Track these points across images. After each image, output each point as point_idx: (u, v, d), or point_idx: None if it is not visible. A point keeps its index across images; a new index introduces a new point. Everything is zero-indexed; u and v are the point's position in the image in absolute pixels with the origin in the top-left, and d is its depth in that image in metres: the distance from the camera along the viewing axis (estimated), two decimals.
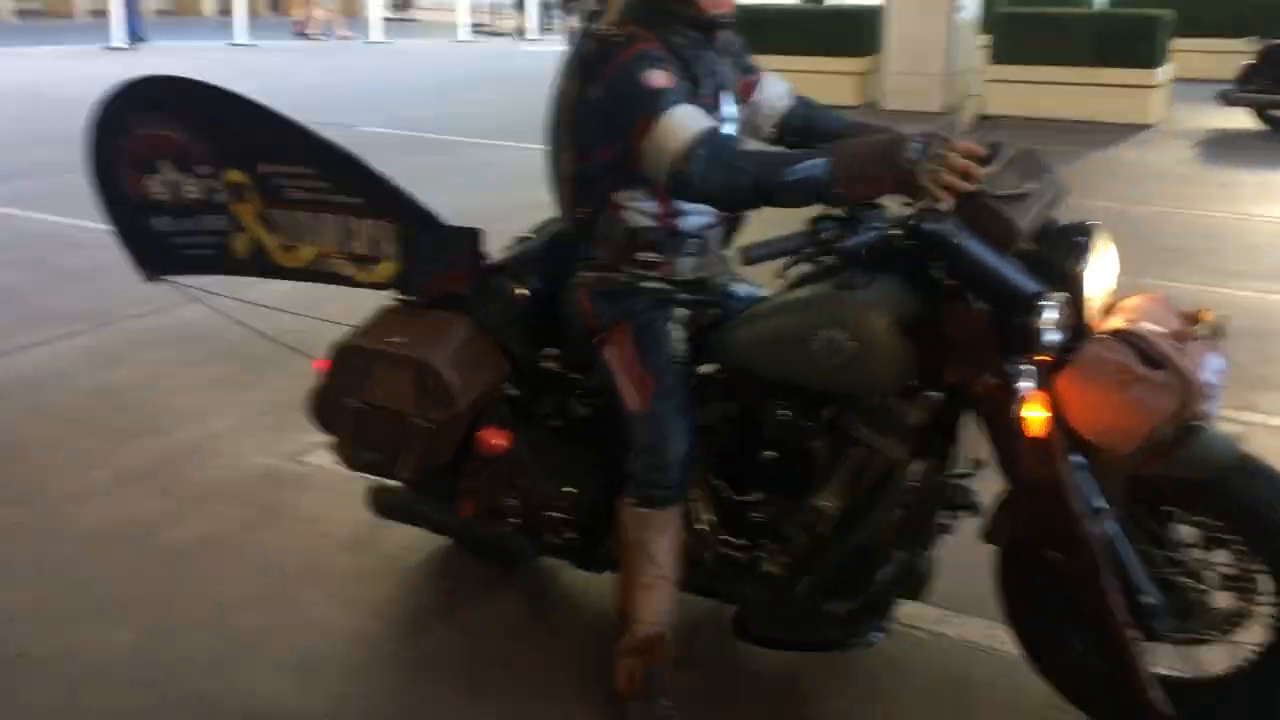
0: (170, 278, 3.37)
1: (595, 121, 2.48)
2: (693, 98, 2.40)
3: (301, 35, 21.19)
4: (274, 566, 3.24)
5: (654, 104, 2.31)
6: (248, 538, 3.40)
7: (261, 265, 3.24)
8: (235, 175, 3.13)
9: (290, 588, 3.13)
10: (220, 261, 3.29)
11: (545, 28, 23.43)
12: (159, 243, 3.30)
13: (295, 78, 12.99)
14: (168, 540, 3.39)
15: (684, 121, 2.30)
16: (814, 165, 2.23)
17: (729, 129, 2.57)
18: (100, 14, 19.27)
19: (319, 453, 3.85)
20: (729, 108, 2.59)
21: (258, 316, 3.67)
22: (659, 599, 2.53)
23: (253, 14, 21.04)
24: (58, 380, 4.65)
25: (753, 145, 2.54)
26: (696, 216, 2.56)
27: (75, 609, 3.03)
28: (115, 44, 17.89)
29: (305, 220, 3.10)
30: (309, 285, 3.19)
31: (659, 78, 2.33)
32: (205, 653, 2.84)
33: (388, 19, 22.35)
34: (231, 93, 3.09)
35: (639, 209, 2.54)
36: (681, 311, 2.60)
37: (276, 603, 3.06)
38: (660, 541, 2.50)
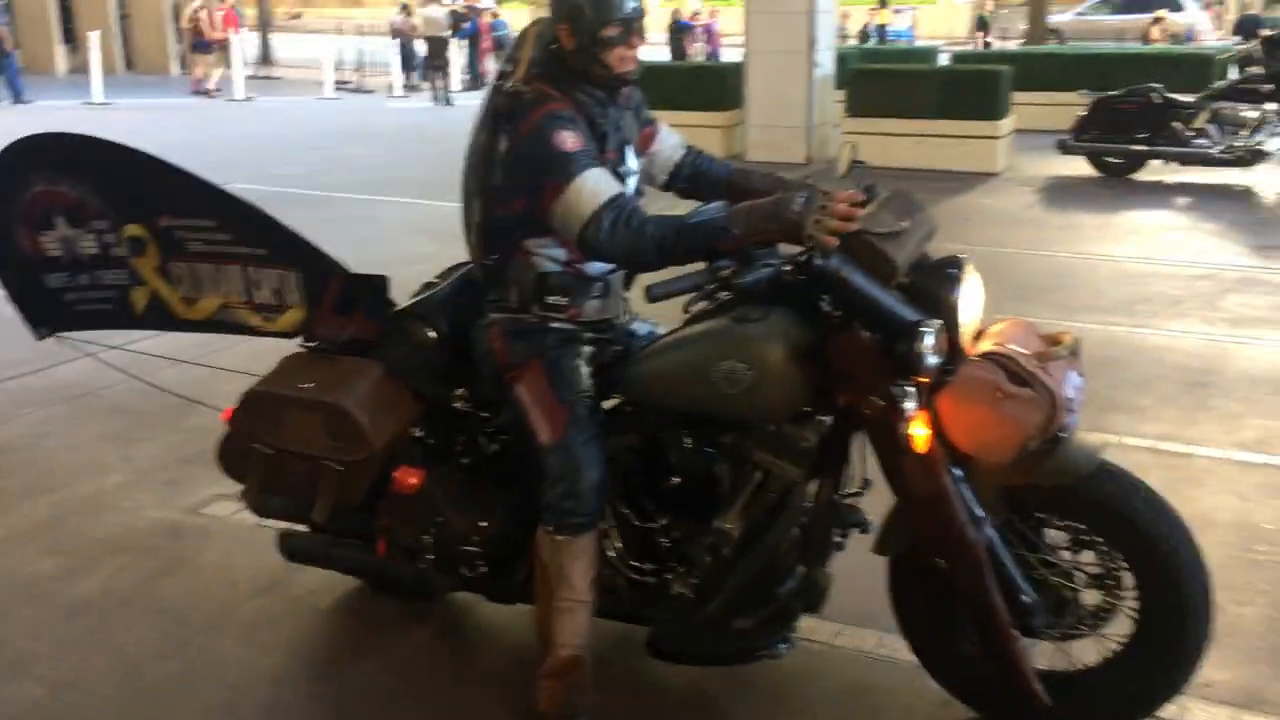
0: (63, 334, 3.37)
1: (507, 174, 2.62)
2: (600, 154, 2.57)
3: (203, 93, 20.93)
4: (182, 616, 3.24)
5: (564, 168, 2.48)
6: (152, 589, 3.39)
7: (162, 318, 3.27)
8: (134, 229, 3.16)
9: (200, 636, 3.14)
10: (119, 316, 3.31)
11: (408, 86, 23.49)
12: (53, 299, 3.30)
13: (160, 135, 12.78)
14: (69, 595, 3.36)
15: (593, 187, 2.47)
16: (711, 211, 2.43)
17: (632, 182, 2.75)
18: None
19: (220, 504, 3.88)
20: (632, 161, 2.76)
21: (149, 370, 3.67)
22: (576, 623, 2.64)
23: (108, 71, 20.61)
24: None
25: (652, 203, 2.70)
26: (602, 263, 2.72)
27: None
28: None
29: (207, 272, 3.15)
30: (201, 337, 3.23)
31: (569, 140, 2.49)
32: (116, 704, 2.84)
33: (250, 77, 22.11)
34: (128, 148, 3.14)
35: (548, 255, 2.68)
36: (588, 349, 2.74)
37: (187, 651, 3.07)
38: (576, 567, 2.62)
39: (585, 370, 2.69)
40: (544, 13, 2.71)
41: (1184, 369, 5.39)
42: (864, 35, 24.41)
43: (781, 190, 2.81)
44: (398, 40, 23.67)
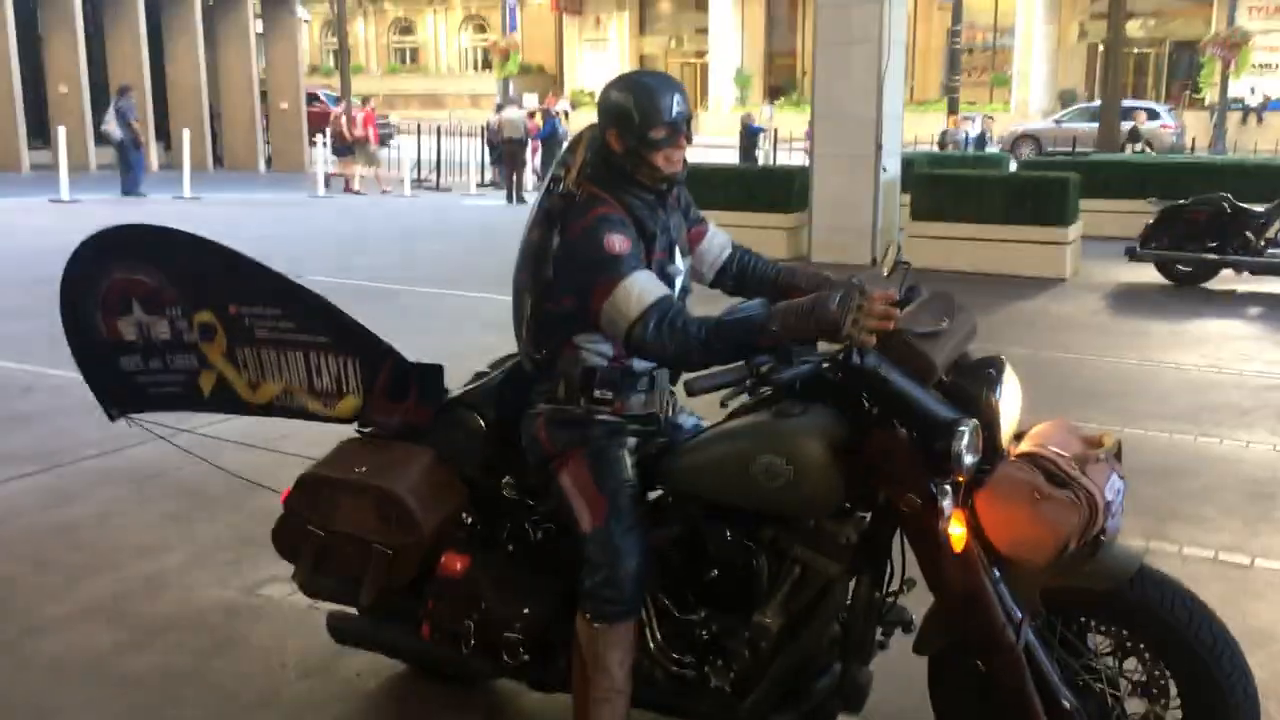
0: (134, 416, 3.50)
1: (558, 272, 2.73)
2: (649, 254, 2.67)
3: (353, 192, 21.95)
4: (231, 694, 3.31)
5: (613, 270, 2.58)
6: (204, 667, 3.47)
7: (228, 402, 3.39)
8: (205, 316, 3.30)
9: (248, 714, 3.20)
10: (187, 399, 3.43)
11: (481, 185, 24.16)
12: (127, 382, 3.44)
13: (246, 229, 13.25)
14: (125, 669, 3.44)
15: (640, 289, 2.57)
16: (750, 309, 2.50)
17: (679, 281, 2.84)
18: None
19: (274, 585, 3.96)
20: (679, 261, 2.85)
21: (215, 452, 3.78)
22: (613, 712, 2.66)
23: (198, 168, 21.44)
24: (12, 519, 4.69)
25: (699, 299, 2.77)
26: (647, 361, 2.79)
27: None
28: None
29: (271, 358, 3.27)
30: (268, 421, 3.34)
31: (619, 243, 2.60)
32: None
33: (328, 174, 22.91)
34: (203, 239, 3.29)
35: (595, 350, 2.76)
36: (631, 440, 2.80)
37: None
38: (614, 656, 2.64)
39: (628, 461, 2.75)
40: None
41: (1250, 480, 5.29)
42: (942, 143, 24.51)
43: (825, 288, 2.88)
44: (486, 139, 24.32)
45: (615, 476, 2.70)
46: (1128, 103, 26.86)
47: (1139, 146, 21.93)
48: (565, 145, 2.87)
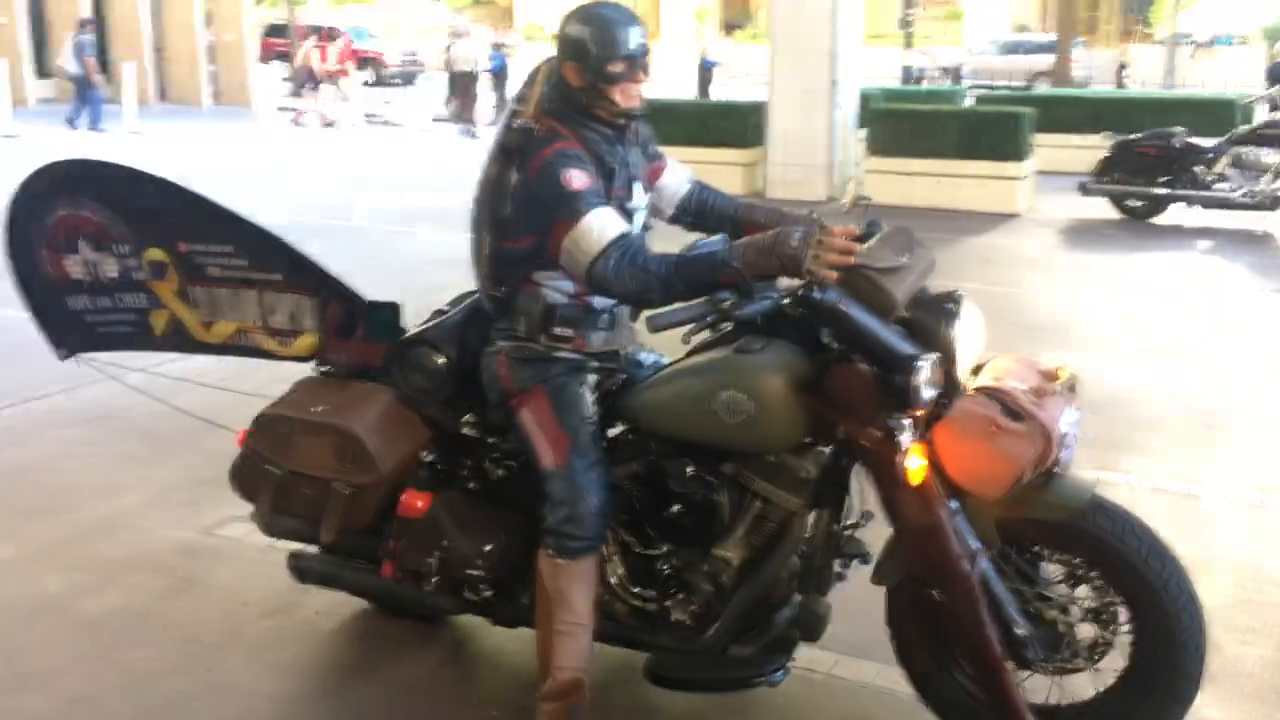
0: (84, 355, 3.44)
1: (517, 209, 2.70)
2: (608, 191, 2.65)
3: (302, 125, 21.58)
4: (192, 635, 3.30)
5: (573, 206, 2.55)
6: (165, 607, 3.46)
7: (181, 341, 3.34)
8: (155, 253, 3.24)
9: (210, 654, 3.20)
10: (139, 338, 3.38)
11: (436, 119, 23.83)
12: (76, 321, 3.38)
13: (192, 162, 12.99)
14: (83, 611, 3.42)
15: (600, 226, 2.54)
16: (712, 245, 2.50)
17: (639, 216, 2.82)
18: None
19: (234, 525, 3.94)
20: (639, 198, 2.83)
21: (170, 393, 3.74)
22: (577, 646, 2.68)
23: (141, 102, 20.94)
24: None
25: (659, 234, 2.75)
26: (607, 298, 2.78)
27: None
28: None
29: (225, 296, 3.23)
30: (222, 361, 3.30)
31: (577, 179, 2.57)
32: (126, 719, 2.89)
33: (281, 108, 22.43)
34: (149, 174, 3.23)
35: (555, 287, 2.75)
36: (593, 377, 2.80)
37: (196, 669, 3.12)
38: (576, 590, 2.66)
39: (589, 398, 2.75)
40: None
41: (1198, 410, 5.40)
42: (919, 78, 24.44)
43: (785, 224, 2.87)
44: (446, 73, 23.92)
45: (576, 413, 2.70)
46: (1035, 37, 27.08)
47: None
48: (525, 79, 2.82)
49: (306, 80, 22.31)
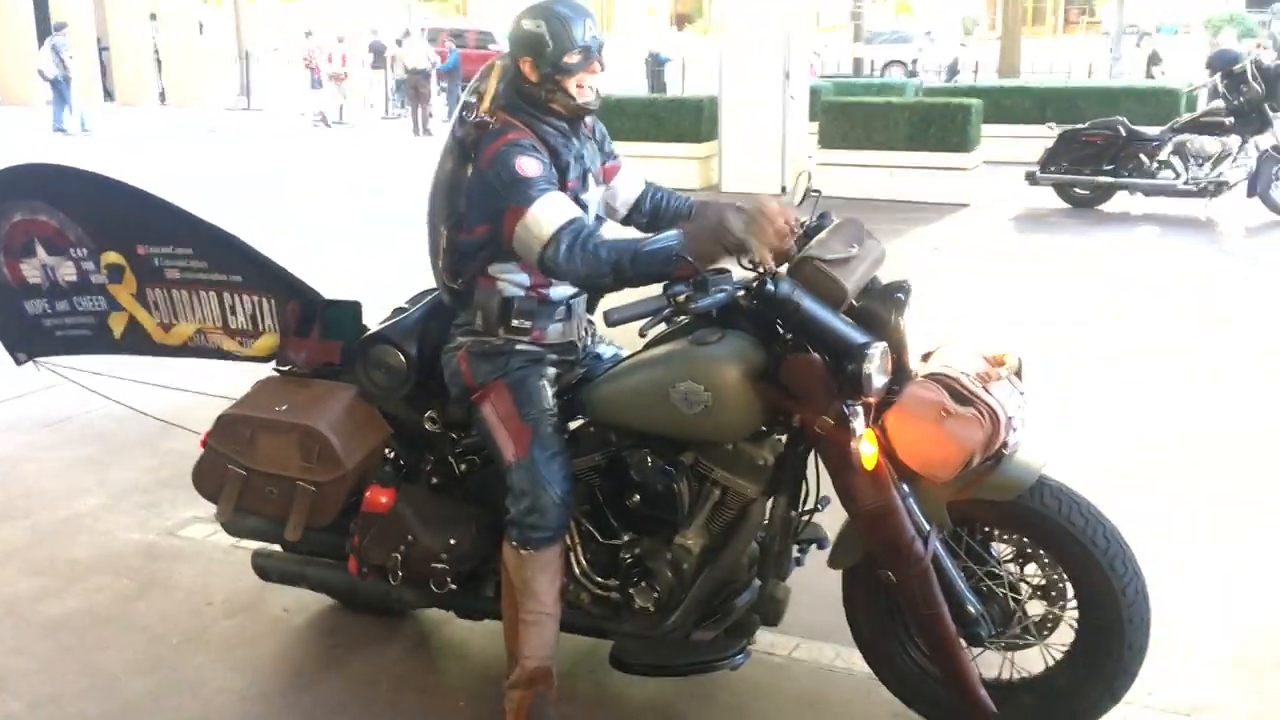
0: (42, 360, 3.44)
1: (470, 200, 2.74)
2: (562, 183, 2.70)
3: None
4: (157, 635, 3.31)
5: (525, 192, 2.60)
6: (128, 609, 3.46)
7: (140, 343, 3.35)
8: (112, 257, 3.24)
9: (175, 654, 3.21)
10: (98, 341, 3.38)
11: (386, 118, 23.71)
12: (33, 325, 3.37)
13: (146, 167, 12.86)
14: (47, 614, 3.42)
15: (551, 210, 2.59)
16: (666, 238, 2.55)
17: (594, 210, 2.87)
18: None
19: (196, 526, 3.96)
20: (593, 191, 2.88)
21: (128, 395, 3.74)
22: (543, 635, 2.73)
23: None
24: None
25: (611, 234, 2.81)
26: (564, 286, 2.83)
27: None
28: None
29: (184, 298, 3.23)
30: (180, 362, 3.31)
31: (529, 166, 2.62)
32: (93, 718, 2.90)
33: (228, 109, 22.28)
34: (106, 177, 3.23)
35: (511, 280, 2.79)
36: (552, 370, 2.85)
37: (162, 668, 3.14)
38: (542, 580, 2.71)
39: (549, 390, 2.80)
40: None
41: (1142, 390, 5.53)
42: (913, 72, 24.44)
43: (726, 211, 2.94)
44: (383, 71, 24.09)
45: (537, 405, 2.75)
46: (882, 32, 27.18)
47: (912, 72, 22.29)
48: (479, 73, 2.87)
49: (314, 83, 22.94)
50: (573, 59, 2.69)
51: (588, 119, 2.87)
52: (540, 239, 2.58)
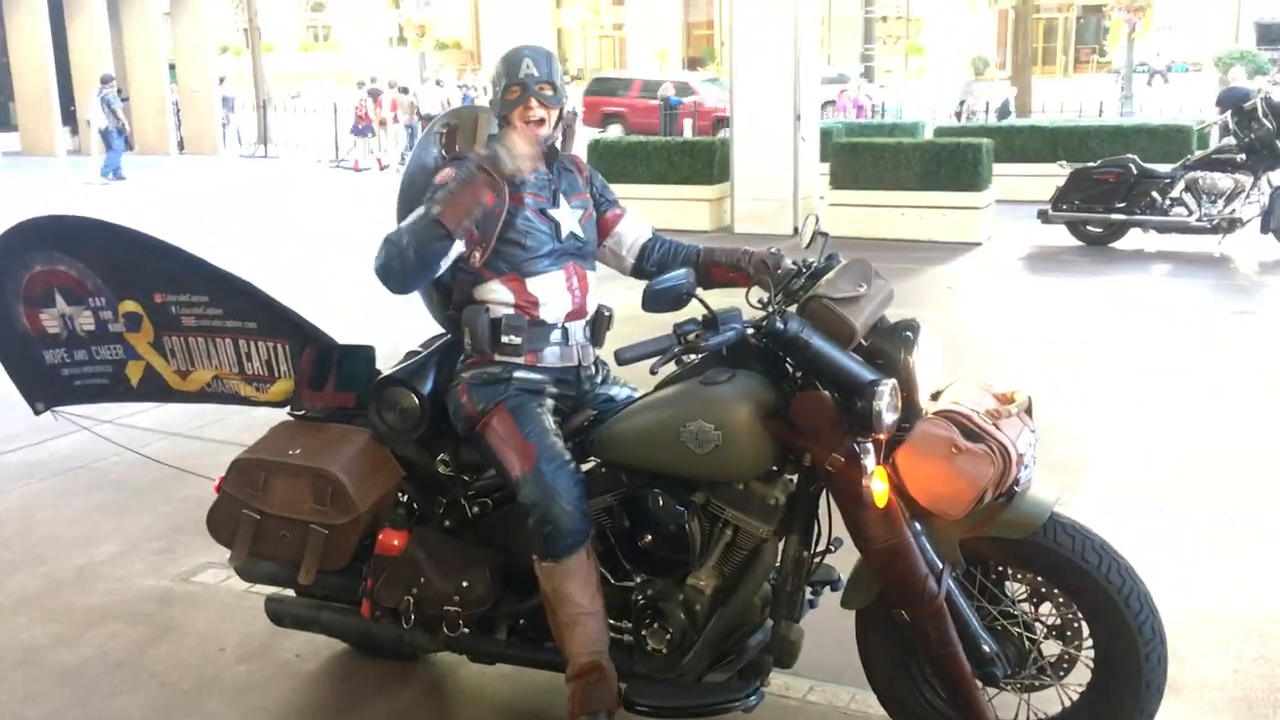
0: (60, 409, 3.46)
1: None
2: (517, 196, 2.85)
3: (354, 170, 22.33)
4: (170, 681, 3.31)
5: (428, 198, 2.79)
6: (142, 655, 3.46)
7: (156, 391, 3.37)
8: (130, 305, 3.27)
9: (189, 700, 3.21)
10: (115, 390, 3.41)
11: (402, 164, 23.98)
12: (51, 375, 3.40)
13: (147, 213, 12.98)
14: (61, 661, 3.42)
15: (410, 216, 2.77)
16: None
17: (566, 228, 2.95)
18: None
19: (210, 572, 3.96)
20: (567, 211, 2.96)
21: (142, 442, 3.76)
22: (586, 632, 2.75)
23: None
24: None
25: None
26: (551, 306, 2.89)
27: None
28: None
29: (200, 345, 3.26)
30: (194, 411, 3.33)
31: (444, 174, 2.80)
32: None
33: (245, 157, 22.55)
34: (124, 228, 3.28)
35: (497, 300, 2.87)
36: (550, 401, 2.87)
37: (176, 715, 3.13)
38: (572, 585, 2.73)
39: (550, 418, 2.82)
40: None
41: (1154, 430, 5.50)
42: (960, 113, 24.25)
43: (745, 261, 2.98)
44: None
45: (539, 423, 2.79)
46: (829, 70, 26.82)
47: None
48: (447, 114, 3.11)
49: (360, 128, 23.46)
50: (511, 95, 2.86)
51: (581, 158, 3.03)
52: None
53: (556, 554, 2.71)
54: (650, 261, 3.13)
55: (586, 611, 2.75)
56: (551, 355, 2.90)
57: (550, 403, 2.87)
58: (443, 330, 3.10)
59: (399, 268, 2.72)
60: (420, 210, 2.73)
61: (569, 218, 2.96)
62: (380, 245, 2.74)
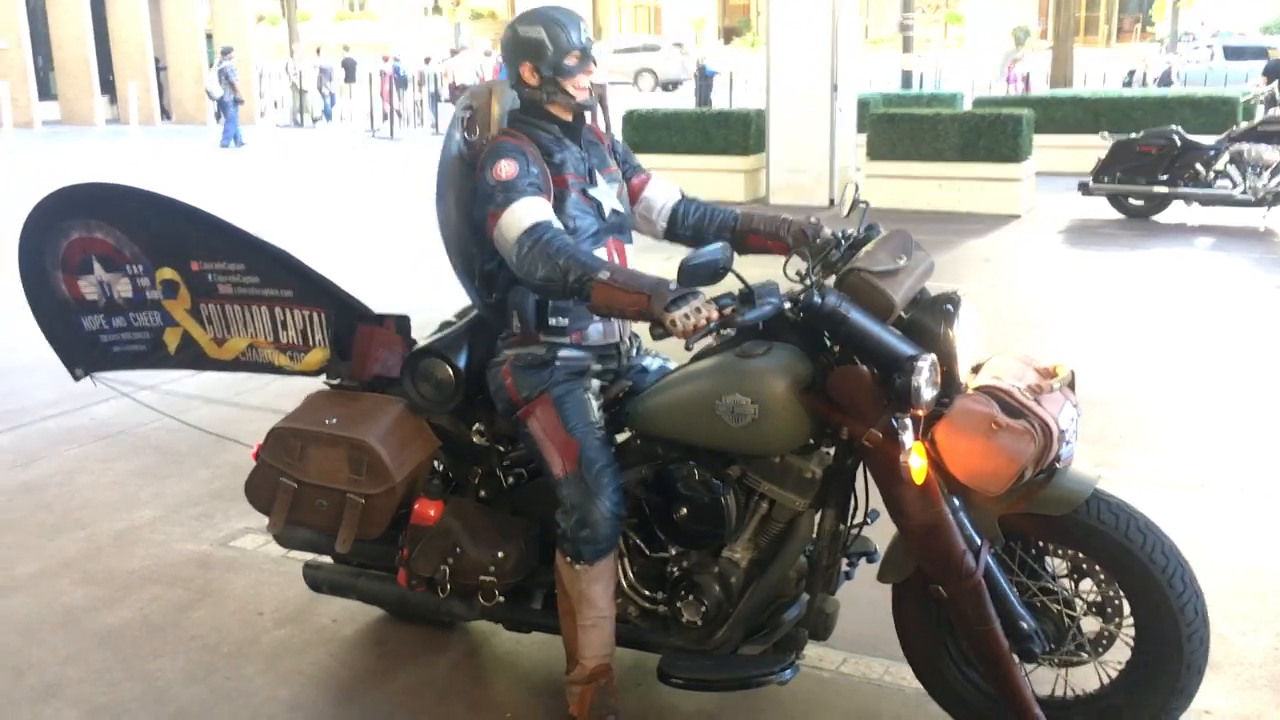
0: (99, 375, 3.50)
1: (474, 219, 2.83)
2: (560, 179, 2.78)
3: None
4: (209, 645, 3.35)
5: (500, 196, 2.69)
6: (181, 619, 3.50)
7: (194, 358, 3.40)
8: (167, 273, 3.29)
9: (227, 663, 3.24)
10: (153, 357, 3.43)
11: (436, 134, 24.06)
12: (89, 341, 3.43)
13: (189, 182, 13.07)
14: (101, 624, 3.47)
15: (522, 214, 2.66)
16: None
17: (610, 206, 2.90)
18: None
19: (248, 537, 4.00)
20: (606, 187, 2.91)
21: (181, 409, 3.79)
22: (601, 636, 2.77)
23: (144, 121, 21.24)
24: None
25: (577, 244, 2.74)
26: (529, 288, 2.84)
27: (16, 691, 3.11)
28: None
29: (236, 313, 3.28)
30: (232, 377, 3.35)
31: (505, 169, 2.71)
32: None
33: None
34: (162, 195, 3.29)
35: None
36: (596, 382, 2.85)
37: (214, 677, 3.17)
38: (596, 589, 2.72)
39: (594, 404, 2.80)
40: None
41: (1197, 407, 5.43)
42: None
43: (783, 230, 2.94)
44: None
45: (583, 418, 2.76)
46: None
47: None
48: (465, 96, 2.98)
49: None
50: (571, 61, 2.78)
51: (601, 128, 2.97)
52: (509, 242, 2.66)
53: (589, 557, 2.71)
54: (686, 225, 3.09)
55: (605, 615, 2.76)
56: (595, 333, 2.88)
57: (595, 383, 2.85)
58: None
59: (559, 291, 2.62)
60: (596, 265, 2.57)
61: (608, 194, 2.92)
62: (537, 247, 2.61)
